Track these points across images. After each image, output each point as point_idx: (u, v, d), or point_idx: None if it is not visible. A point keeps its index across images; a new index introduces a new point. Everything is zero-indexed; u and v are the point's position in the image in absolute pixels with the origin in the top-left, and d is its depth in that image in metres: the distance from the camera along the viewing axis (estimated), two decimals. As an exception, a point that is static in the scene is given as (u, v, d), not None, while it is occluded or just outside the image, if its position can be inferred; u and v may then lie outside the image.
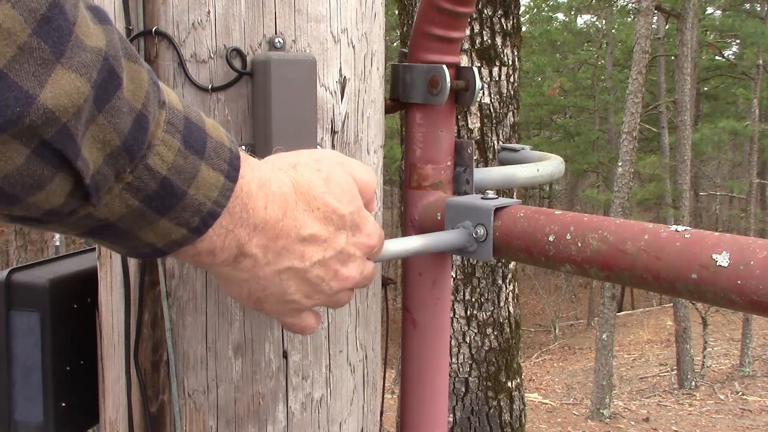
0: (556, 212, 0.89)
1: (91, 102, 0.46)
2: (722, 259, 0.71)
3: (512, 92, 3.83)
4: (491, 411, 3.90)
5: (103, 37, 0.47)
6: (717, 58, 20.18)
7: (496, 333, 3.90)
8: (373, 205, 0.74)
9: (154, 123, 0.52)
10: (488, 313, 3.88)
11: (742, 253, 0.70)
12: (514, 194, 3.69)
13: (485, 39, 3.74)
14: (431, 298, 1.06)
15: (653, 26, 13.80)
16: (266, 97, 0.82)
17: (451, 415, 3.88)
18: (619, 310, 17.27)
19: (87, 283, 1.00)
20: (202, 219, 0.56)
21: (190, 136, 0.55)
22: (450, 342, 3.75)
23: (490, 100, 3.76)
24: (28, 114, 0.42)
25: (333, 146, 0.92)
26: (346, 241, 0.67)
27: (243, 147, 0.86)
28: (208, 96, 0.85)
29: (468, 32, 3.69)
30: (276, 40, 0.85)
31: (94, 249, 1.03)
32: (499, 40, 3.76)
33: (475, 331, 3.87)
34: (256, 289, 0.66)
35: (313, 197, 0.64)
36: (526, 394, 4.35)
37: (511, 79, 3.82)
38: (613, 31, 21.26)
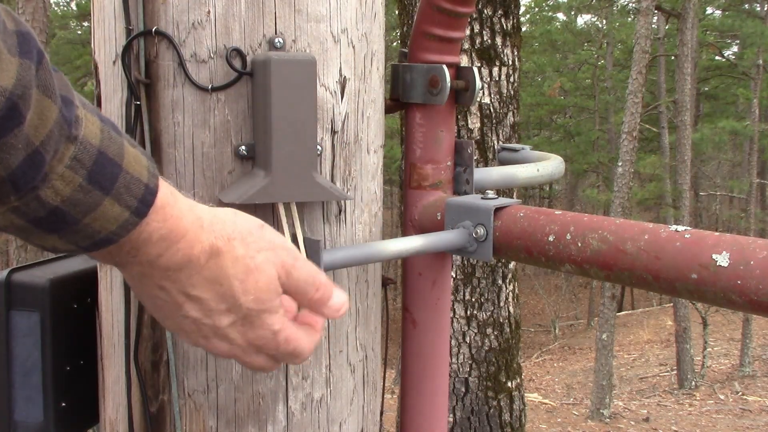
0: (556, 212, 0.89)
1: None
2: (722, 259, 0.71)
3: (512, 92, 3.83)
4: (491, 411, 3.90)
5: (14, 73, 0.47)
6: (717, 58, 20.18)
7: (496, 333, 3.90)
8: (326, 303, 0.71)
9: (56, 158, 0.52)
10: (488, 313, 3.88)
11: (742, 253, 0.70)
12: (514, 194, 3.69)
13: (485, 39, 3.74)
14: (431, 298, 1.06)
15: (653, 26, 13.79)
16: (266, 97, 0.82)
17: (451, 415, 3.88)
18: (619, 310, 17.26)
19: (87, 283, 1.00)
20: (94, 243, 0.58)
21: (100, 171, 0.55)
22: (450, 342, 3.75)
23: (490, 100, 3.76)
24: None
25: (333, 146, 0.92)
26: (229, 324, 0.66)
27: (243, 147, 0.86)
28: (208, 96, 0.85)
29: (468, 32, 3.69)
30: (276, 40, 0.85)
31: (94, 249, 1.03)
32: (499, 40, 3.76)
33: (475, 331, 3.87)
34: (139, 294, 0.67)
35: (223, 275, 0.64)
36: (526, 394, 4.35)
37: (511, 79, 3.82)
38: (613, 31, 21.26)
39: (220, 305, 0.65)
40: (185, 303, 0.65)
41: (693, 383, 11.24)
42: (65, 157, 0.53)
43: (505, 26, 3.77)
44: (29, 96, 0.48)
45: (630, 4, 21.03)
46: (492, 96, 3.76)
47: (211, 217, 0.65)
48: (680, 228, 0.77)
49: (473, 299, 3.86)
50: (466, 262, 3.82)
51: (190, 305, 0.65)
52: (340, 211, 0.94)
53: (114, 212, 0.56)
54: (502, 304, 3.91)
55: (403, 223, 1.09)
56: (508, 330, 3.94)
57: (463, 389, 3.89)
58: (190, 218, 0.62)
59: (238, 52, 0.85)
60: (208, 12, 0.84)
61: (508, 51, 3.79)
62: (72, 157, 0.53)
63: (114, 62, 0.89)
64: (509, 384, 3.96)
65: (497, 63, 3.76)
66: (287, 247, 0.68)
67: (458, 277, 3.84)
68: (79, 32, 19.47)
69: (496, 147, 3.76)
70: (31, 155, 0.50)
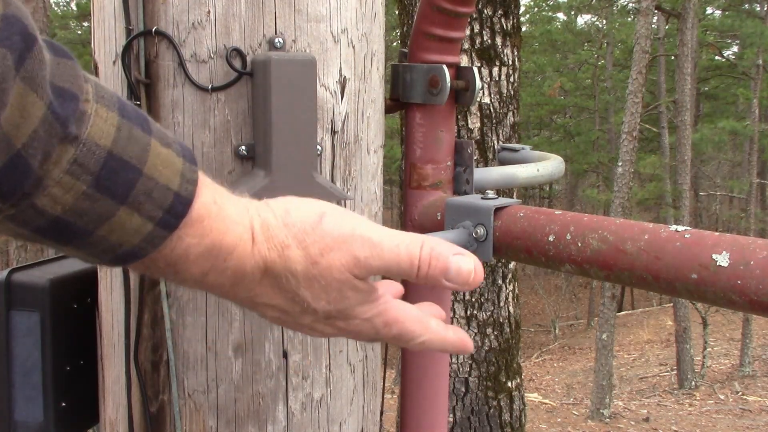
0: (556, 212, 0.89)
1: None
2: (722, 259, 0.71)
3: (512, 92, 3.83)
4: (491, 411, 3.90)
5: None
6: (717, 58, 20.18)
7: (496, 333, 3.90)
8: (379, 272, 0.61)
9: (50, 162, 0.45)
10: (488, 313, 3.88)
11: (742, 253, 0.70)
12: (514, 194, 3.69)
13: (485, 39, 3.74)
14: (431, 298, 1.06)
15: (653, 26, 13.79)
16: (266, 97, 0.82)
17: (451, 415, 3.88)
18: (619, 310, 17.26)
19: (87, 283, 1.00)
20: (117, 257, 0.51)
21: (110, 177, 0.47)
22: (450, 342, 3.74)
23: (490, 100, 3.76)
24: None
25: (333, 146, 0.92)
26: (312, 321, 0.60)
27: (243, 147, 0.86)
28: (208, 96, 0.85)
29: (468, 32, 3.69)
30: (276, 40, 0.85)
31: (94, 249, 1.03)
32: (499, 40, 3.76)
33: (475, 331, 3.87)
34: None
35: (286, 287, 0.57)
36: (526, 394, 4.35)
37: (511, 79, 3.82)
38: (613, 31, 21.26)
39: (294, 308, 0.59)
40: (257, 308, 0.59)
41: (693, 383, 11.24)
42: (63, 160, 0.46)
43: (505, 26, 3.77)
44: (4, 90, 0.42)
45: (630, 4, 21.03)
46: (492, 96, 3.76)
47: (260, 222, 0.56)
48: (680, 228, 0.77)
49: (473, 299, 3.86)
50: (466, 262, 3.81)
51: (264, 310, 0.59)
52: (340, 211, 0.94)
53: (134, 224, 0.49)
54: (502, 304, 3.91)
55: (403, 223, 1.09)
56: (508, 330, 3.94)
57: (463, 389, 3.90)
58: (237, 231, 0.54)
59: (238, 52, 0.85)
60: (208, 12, 0.84)
61: (508, 51, 3.79)
62: (71, 160, 0.46)
63: (114, 62, 0.89)
64: (509, 384, 3.96)
65: (497, 63, 3.76)
66: (357, 235, 0.58)
67: (458, 277, 3.84)
68: (79, 32, 19.48)
69: (496, 147, 3.76)
70: (12, 158, 0.43)
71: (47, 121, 0.44)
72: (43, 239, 0.49)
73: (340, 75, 0.91)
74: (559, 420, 9.73)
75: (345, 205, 0.95)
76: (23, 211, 0.46)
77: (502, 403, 3.92)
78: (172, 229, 0.51)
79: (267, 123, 0.83)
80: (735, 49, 21.08)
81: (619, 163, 9.67)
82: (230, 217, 0.54)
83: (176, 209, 0.51)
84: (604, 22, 22.41)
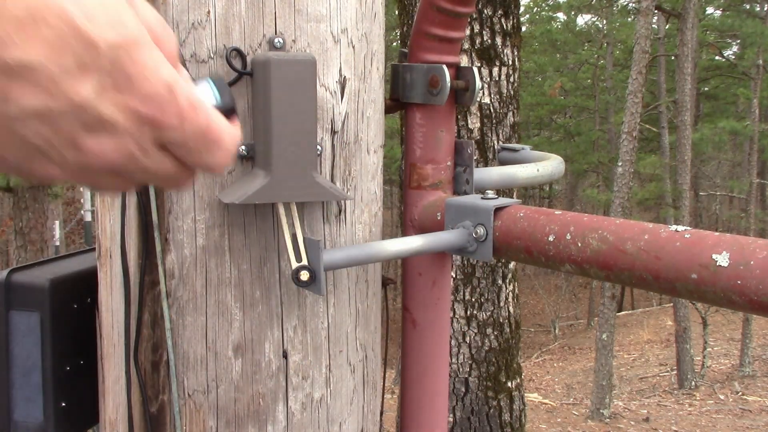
0: (556, 212, 0.89)
1: None
2: (722, 259, 0.71)
3: (512, 92, 3.83)
4: (491, 411, 3.90)
5: None
6: (717, 58, 20.18)
7: (496, 333, 3.90)
8: (177, 65, 0.45)
9: None
10: (488, 313, 3.88)
11: (742, 253, 0.70)
12: (514, 194, 3.69)
13: (485, 39, 3.74)
14: (431, 298, 1.06)
15: (653, 26, 13.79)
16: (266, 97, 0.82)
17: (451, 415, 3.88)
18: (619, 310, 17.26)
19: (87, 283, 1.00)
20: None
21: None
22: (450, 342, 3.75)
23: (490, 100, 3.76)
24: None
25: (333, 146, 0.92)
26: (95, 92, 0.40)
27: (243, 147, 0.86)
28: (208, 96, 0.85)
29: (468, 32, 3.69)
30: (276, 40, 0.85)
31: (94, 249, 1.03)
32: (499, 40, 3.76)
33: (475, 331, 3.87)
34: None
35: (43, 3, 0.37)
36: (526, 394, 4.35)
37: (511, 79, 3.82)
38: (613, 31, 21.26)
39: (64, 60, 0.38)
40: (10, 87, 0.38)
41: (693, 383, 11.23)
42: None
43: (505, 26, 3.77)
44: None
45: (630, 4, 21.03)
46: (492, 96, 3.76)
47: None
48: (680, 228, 0.77)
49: (473, 299, 3.86)
50: (466, 262, 3.82)
51: (21, 87, 0.38)
52: (340, 211, 0.94)
53: None
54: (502, 304, 3.90)
55: (403, 223, 1.09)
56: (508, 330, 3.94)
57: (463, 389, 3.89)
58: None
59: (238, 52, 0.85)
60: (208, 12, 0.84)
61: (508, 51, 3.79)
62: None
63: (114, 62, 0.89)
64: (509, 384, 3.96)
65: (497, 63, 3.76)
66: None
67: (458, 277, 3.84)
68: (79, 32, 19.47)
69: (496, 147, 3.76)
70: None
71: None
72: None
73: (340, 75, 0.91)
74: (559, 420, 9.73)
75: (345, 205, 0.95)
76: None
77: (502, 403, 3.92)
78: None
79: (267, 123, 0.83)
80: (735, 49, 21.09)
81: (619, 163, 9.66)
82: None
83: None
84: (604, 22, 22.41)
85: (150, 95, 0.41)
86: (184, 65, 0.84)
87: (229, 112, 0.49)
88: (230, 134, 0.46)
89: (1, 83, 0.38)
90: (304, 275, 0.83)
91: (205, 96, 0.48)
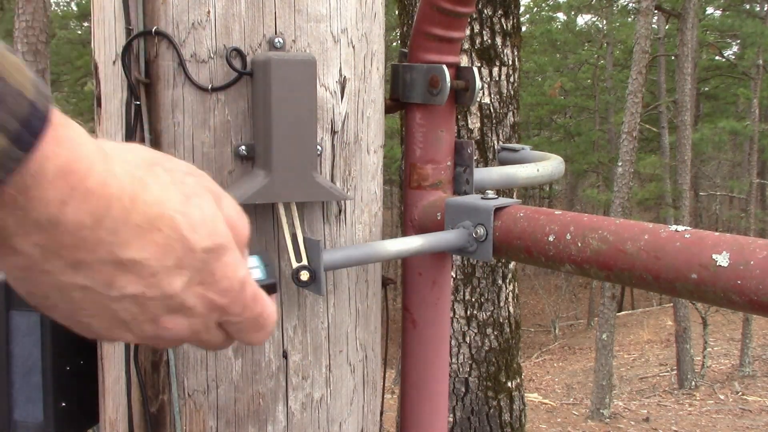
0: (556, 212, 0.89)
1: None
2: (722, 259, 0.71)
3: (512, 92, 3.83)
4: (491, 411, 3.90)
5: None
6: (717, 58, 20.18)
7: (496, 333, 3.90)
8: (245, 248, 0.54)
9: None
10: (488, 313, 3.88)
11: (742, 253, 0.70)
12: (514, 194, 3.69)
13: (485, 39, 3.74)
14: (431, 298, 1.06)
15: (653, 26, 13.79)
16: (266, 97, 0.82)
17: (451, 415, 3.88)
18: (619, 310, 17.26)
19: (87, 283, 1.00)
20: None
21: None
22: (450, 342, 3.75)
23: (490, 100, 3.76)
24: None
25: (333, 146, 0.92)
26: (184, 286, 0.48)
27: (243, 147, 0.86)
28: (208, 96, 0.85)
29: (468, 32, 3.69)
30: (276, 40, 0.85)
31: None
32: (499, 40, 3.76)
33: (475, 331, 3.87)
34: (34, 292, 0.47)
35: (159, 214, 0.46)
36: (526, 394, 4.35)
37: (511, 79, 3.82)
38: (613, 31, 21.26)
39: (167, 260, 0.46)
40: (117, 277, 0.45)
41: (693, 383, 11.23)
42: None
43: (505, 26, 3.77)
44: None
45: (630, 4, 21.03)
46: (492, 96, 3.76)
47: (110, 146, 0.46)
48: (680, 228, 0.77)
49: (473, 299, 3.86)
50: (466, 262, 3.82)
51: (126, 278, 0.45)
52: (340, 211, 0.94)
53: None
54: (502, 304, 3.91)
55: (403, 223, 1.09)
56: (508, 330, 3.94)
57: (463, 389, 3.89)
58: (91, 147, 0.43)
59: (238, 52, 0.85)
60: (208, 12, 0.84)
61: (508, 51, 3.79)
62: None
63: (114, 62, 0.89)
64: (509, 384, 3.96)
65: (497, 63, 3.76)
66: (203, 173, 0.52)
67: (458, 277, 3.84)
68: (79, 32, 19.48)
69: (496, 147, 3.76)
70: None
71: None
72: None
73: (340, 75, 0.91)
74: (559, 420, 9.73)
75: (345, 206, 0.95)
76: None
77: (502, 403, 3.92)
78: (29, 147, 0.39)
79: (267, 123, 0.83)
80: (735, 49, 21.09)
81: (619, 163, 9.66)
82: (79, 129, 0.44)
83: (33, 124, 0.40)
84: (604, 22, 22.42)
85: (226, 290, 0.50)
86: (185, 65, 0.84)
87: (272, 288, 0.57)
88: (272, 317, 0.55)
89: (109, 273, 0.45)
90: (304, 275, 0.83)
91: (253, 270, 0.57)
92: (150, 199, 0.46)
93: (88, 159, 0.42)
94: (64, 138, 0.42)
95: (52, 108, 0.41)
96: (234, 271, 0.50)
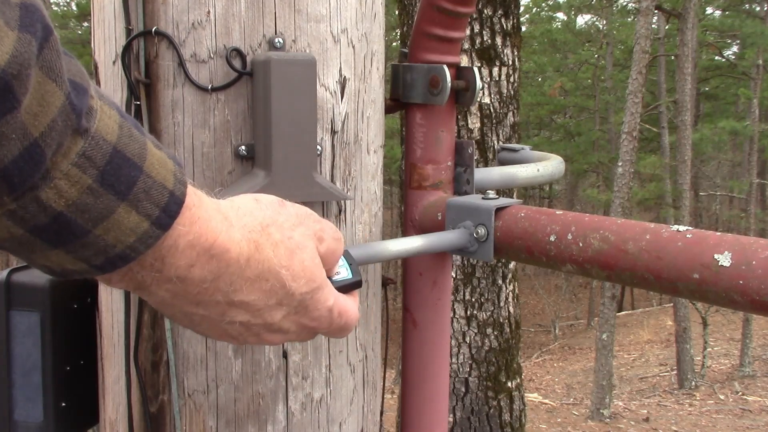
0: (557, 212, 0.89)
1: None
2: (724, 259, 0.71)
3: (512, 92, 3.83)
4: (491, 411, 3.90)
5: (9, 48, 0.39)
6: (717, 58, 20.18)
7: (496, 333, 3.90)
8: (334, 270, 0.68)
9: (59, 153, 0.45)
10: (488, 313, 3.88)
11: (744, 253, 0.70)
12: (514, 194, 3.69)
13: (485, 39, 3.74)
14: (431, 298, 1.06)
15: (653, 26, 13.80)
16: (266, 97, 0.82)
17: (451, 415, 3.88)
18: (619, 310, 17.27)
19: (87, 283, 1.00)
20: (109, 260, 0.50)
21: (114, 173, 0.47)
22: (450, 342, 3.75)
23: (490, 100, 3.76)
24: None
25: (333, 146, 0.92)
26: (282, 318, 0.61)
27: (243, 147, 0.86)
28: (208, 96, 0.85)
29: (468, 32, 3.69)
30: (276, 40, 0.85)
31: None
32: (499, 40, 3.76)
33: (475, 331, 3.87)
34: (165, 313, 0.61)
35: (267, 269, 0.58)
36: (526, 394, 4.35)
37: (511, 79, 3.82)
38: (613, 31, 21.26)
39: (270, 301, 0.59)
40: (229, 311, 0.58)
41: (693, 383, 11.24)
42: (72, 152, 0.45)
43: (505, 26, 3.77)
44: (27, 76, 0.41)
45: (630, 4, 21.03)
46: (492, 96, 3.76)
47: (235, 211, 0.58)
48: (682, 228, 0.77)
49: (473, 299, 3.86)
50: (466, 262, 3.82)
51: (236, 311, 0.59)
52: (340, 211, 0.94)
53: (131, 222, 0.49)
54: (502, 304, 3.90)
55: (403, 223, 1.09)
56: (508, 330, 3.94)
57: (463, 389, 3.89)
58: (218, 218, 0.55)
59: (238, 52, 0.85)
60: (208, 12, 0.84)
61: (508, 51, 3.79)
62: (80, 153, 0.45)
63: (114, 62, 0.89)
64: (509, 384, 3.96)
65: (497, 63, 3.76)
66: (309, 212, 0.64)
67: (458, 277, 3.84)
68: (79, 32, 19.48)
69: (496, 147, 3.76)
70: (29, 148, 0.42)
71: (65, 111, 0.44)
72: (37, 240, 0.47)
73: (340, 75, 0.91)
74: (559, 420, 9.73)
75: (345, 206, 0.94)
76: (25, 206, 0.45)
77: (502, 403, 3.92)
78: (166, 228, 0.51)
79: (267, 123, 0.83)
80: (735, 49, 21.08)
81: (619, 163, 9.67)
82: (211, 208, 0.55)
83: (171, 208, 0.51)
84: (604, 22, 22.41)
85: (317, 317, 0.64)
86: (185, 65, 0.84)
87: (358, 284, 0.70)
88: (354, 321, 0.67)
89: (223, 308, 0.58)
90: (305, 275, 0.83)
91: (341, 270, 0.69)
92: (261, 257, 0.57)
93: (213, 232, 0.54)
94: (195, 218, 0.53)
95: (187, 192, 0.52)
96: (324, 303, 0.63)
